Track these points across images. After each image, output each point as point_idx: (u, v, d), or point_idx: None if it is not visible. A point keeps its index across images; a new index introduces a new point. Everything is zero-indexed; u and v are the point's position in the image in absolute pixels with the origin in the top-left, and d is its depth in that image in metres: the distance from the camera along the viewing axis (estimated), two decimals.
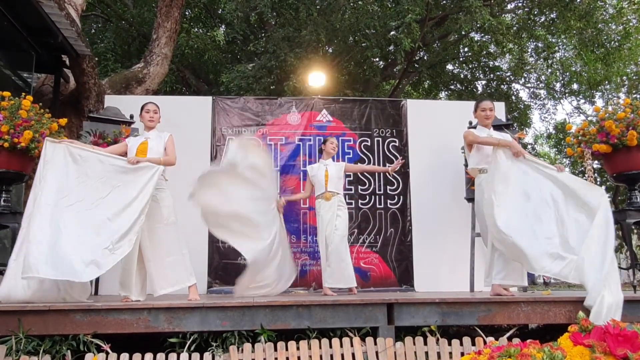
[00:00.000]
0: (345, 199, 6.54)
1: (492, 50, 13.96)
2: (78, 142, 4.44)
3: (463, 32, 11.72)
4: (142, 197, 4.18)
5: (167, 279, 4.32)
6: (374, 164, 6.77)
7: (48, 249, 3.80)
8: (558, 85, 15.53)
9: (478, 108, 4.91)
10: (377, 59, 13.80)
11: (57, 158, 4.12)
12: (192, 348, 3.44)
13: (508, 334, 3.79)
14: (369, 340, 3.46)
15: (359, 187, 6.65)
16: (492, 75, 14.54)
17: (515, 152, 4.43)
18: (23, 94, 4.81)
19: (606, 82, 14.33)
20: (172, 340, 3.49)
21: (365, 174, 6.74)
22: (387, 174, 6.63)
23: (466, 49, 14.24)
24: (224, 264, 6.35)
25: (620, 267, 6.92)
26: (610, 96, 14.67)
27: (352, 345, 3.43)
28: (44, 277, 3.73)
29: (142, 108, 4.78)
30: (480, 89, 14.74)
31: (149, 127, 4.72)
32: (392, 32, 11.21)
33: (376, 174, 6.75)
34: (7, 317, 3.36)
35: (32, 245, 3.76)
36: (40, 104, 4.94)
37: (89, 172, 4.16)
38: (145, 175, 4.26)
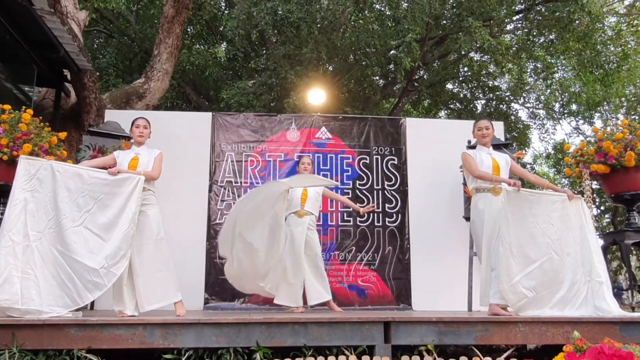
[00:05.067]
0: (343, 216, 6.58)
1: (491, 70, 14.04)
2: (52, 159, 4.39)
3: (463, 52, 11.83)
4: (128, 208, 4.21)
5: (154, 295, 4.35)
6: (372, 181, 6.78)
7: (44, 282, 3.88)
8: (557, 105, 15.60)
9: (475, 128, 4.97)
10: (377, 78, 13.88)
11: (35, 177, 4.07)
12: None
13: (505, 355, 3.77)
14: (365, 358, 3.43)
15: (358, 204, 6.64)
16: (491, 94, 14.61)
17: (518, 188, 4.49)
18: (23, 107, 4.83)
19: (605, 103, 14.40)
20: (167, 356, 3.46)
21: (364, 191, 6.73)
22: (384, 190, 6.69)
23: (466, 69, 14.32)
24: (221, 280, 6.30)
25: (619, 288, 6.90)
26: (609, 117, 14.75)
27: None
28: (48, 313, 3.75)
29: (132, 123, 4.80)
30: (479, 108, 14.79)
31: (139, 142, 4.74)
32: (392, 51, 11.28)
33: (374, 192, 6.75)
34: (0, 331, 3.34)
35: (30, 281, 3.83)
36: (41, 117, 4.97)
37: (70, 187, 4.14)
38: (128, 185, 4.28)
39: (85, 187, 4.18)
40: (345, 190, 6.68)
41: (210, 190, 6.58)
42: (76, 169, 4.26)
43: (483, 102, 14.94)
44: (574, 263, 4.44)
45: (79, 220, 4.10)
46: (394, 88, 14.17)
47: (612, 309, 4.19)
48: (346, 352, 3.56)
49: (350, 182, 6.77)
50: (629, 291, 5.49)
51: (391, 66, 12.52)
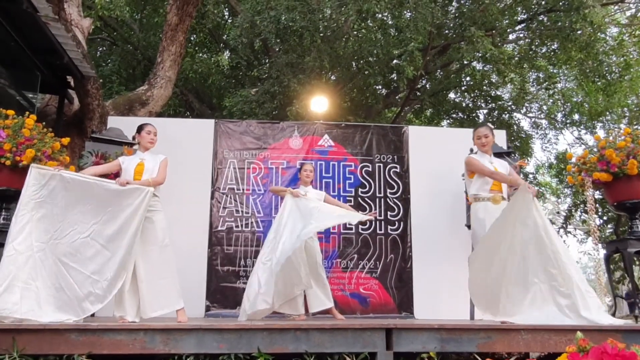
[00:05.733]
0: (345, 223, 6.54)
1: (493, 80, 14.07)
2: (61, 168, 4.31)
3: (465, 62, 11.86)
4: (135, 220, 4.19)
5: (158, 302, 4.33)
6: (375, 189, 6.77)
7: (45, 293, 3.89)
8: (559, 115, 15.60)
9: (474, 135, 4.99)
10: (380, 87, 13.90)
11: (44, 187, 4.07)
12: None
13: None
14: None
15: (359, 212, 6.62)
16: (493, 104, 14.61)
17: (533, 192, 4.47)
18: (27, 113, 4.84)
19: (607, 113, 14.39)
20: None
21: (367, 199, 6.72)
22: (386, 198, 6.69)
23: (468, 78, 14.35)
24: (222, 288, 6.31)
25: (621, 297, 6.87)
26: (611, 127, 14.73)
27: None
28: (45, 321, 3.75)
29: (141, 128, 4.78)
30: (481, 117, 14.79)
31: (147, 148, 4.73)
32: (394, 60, 11.33)
33: (376, 199, 6.74)
34: (1, 336, 3.32)
35: (31, 291, 3.84)
36: (44, 123, 4.97)
37: (79, 198, 4.14)
38: (137, 197, 4.26)
39: (95, 198, 4.17)
40: (347, 198, 6.66)
41: (212, 197, 6.58)
42: (86, 179, 4.23)
43: (485, 111, 14.95)
44: (529, 267, 4.33)
45: (87, 232, 4.10)
46: (397, 97, 14.19)
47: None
48: (348, 358, 3.54)
49: (353, 189, 6.76)
50: (632, 300, 5.45)
51: (394, 75, 12.56)
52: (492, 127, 5.15)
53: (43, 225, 4.01)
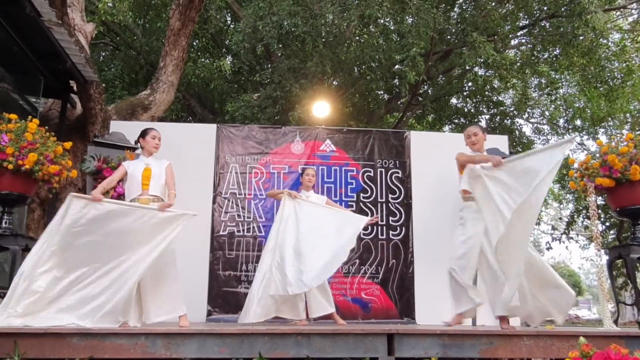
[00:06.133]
0: None
1: (495, 85, 14.06)
2: (102, 197, 4.29)
3: (467, 67, 11.85)
4: (164, 242, 4.24)
5: (161, 307, 4.34)
6: (376, 194, 6.78)
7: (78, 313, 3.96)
8: (561, 121, 15.58)
9: (465, 135, 5.04)
10: (382, 92, 13.90)
11: (85, 216, 4.09)
12: None
13: None
14: None
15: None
16: (495, 109, 14.61)
17: (495, 163, 4.49)
18: (29, 117, 4.85)
19: (609, 118, 14.38)
20: None
21: (368, 204, 6.72)
22: (388, 203, 6.70)
23: (470, 84, 14.33)
24: (224, 292, 6.30)
25: (624, 303, 6.84)
26: (613, 133, 14.70)
27: None
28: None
29: (146, 132, 4.79)
30: (483, 123, 14.79)
31: (151, 153, 4.75)
32: (396, 66, 11.33)
33: (378, 204, 6.73)
34: (3, 340, 3.32)
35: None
36: (46, 127, 4.98)
37: (120, 226, 4.16)
38: (171, 224, 4.31)
39: (132, 227, 4.19)
40: (349, 203, 6.67)
41: (214, 202, 6.58)
42: (128, 207, 4.29)
43: (487, 117, 14.94)
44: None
45: (125, 255, 4.14)
46: (399, 102, 14.20)
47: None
48: None
49: (354, 194, 6.76)
50: (634, 307, 5.43)
51: (396, 80, 12.57)
52: (484, 126, 5.16)
53: (84, 253, 4.06)
